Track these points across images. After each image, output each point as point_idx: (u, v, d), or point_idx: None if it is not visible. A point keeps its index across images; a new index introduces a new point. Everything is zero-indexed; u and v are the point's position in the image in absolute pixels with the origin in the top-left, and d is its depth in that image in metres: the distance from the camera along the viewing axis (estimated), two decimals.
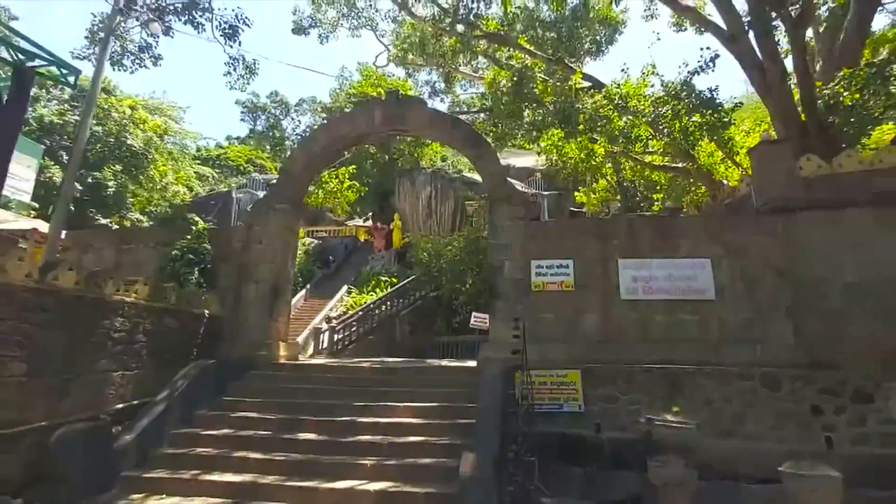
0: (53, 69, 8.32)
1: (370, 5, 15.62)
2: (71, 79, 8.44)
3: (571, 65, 21.00)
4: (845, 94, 10.06)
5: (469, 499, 4.55)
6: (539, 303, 7.50)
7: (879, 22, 12.76)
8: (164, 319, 6.94)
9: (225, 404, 6.72)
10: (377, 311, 16.80)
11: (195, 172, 32.06)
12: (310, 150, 9.10)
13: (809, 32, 12.78)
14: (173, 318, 7.12)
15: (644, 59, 22.00)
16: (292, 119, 44.36)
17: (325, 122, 9.60)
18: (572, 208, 27.23)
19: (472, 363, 8.19)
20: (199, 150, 39.45)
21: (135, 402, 6.28)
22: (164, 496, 5.14)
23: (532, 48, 13.61)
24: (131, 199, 19.64)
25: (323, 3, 15.62)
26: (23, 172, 16.82)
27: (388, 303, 17.49)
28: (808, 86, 10.45)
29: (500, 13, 13.34)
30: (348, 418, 6.34)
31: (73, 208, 18.38)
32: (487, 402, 5.96)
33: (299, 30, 15.62)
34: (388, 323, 17.58)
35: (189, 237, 8.41)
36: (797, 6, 11.70)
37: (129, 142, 19.36)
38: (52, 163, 18.41)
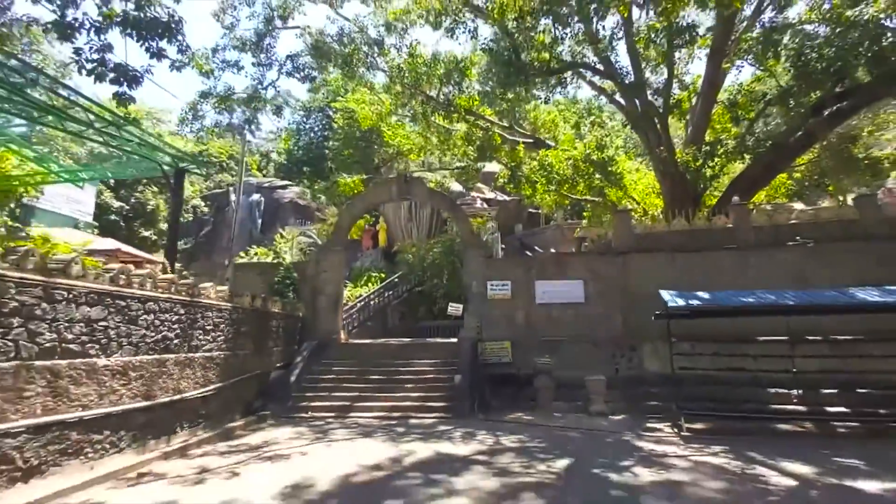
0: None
1: (369, 70, 21.72)
2: (204, 171, 14.40)
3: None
4: (691, 162, 17.38)
5: (459, 396, 11.58)
6: (491, 306, 14.53)
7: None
8: (287, 319, 13.57)
9: (326, 364, 13.48)
10: (373, 302, 22.56)
11: None
12: (352, 213, 15.73)
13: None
14: (290, 318, 13.75)
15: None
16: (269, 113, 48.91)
17: (362, 194, 15.97)
18: (531, 209, 34.47)
19: (454, 340, 15.16)
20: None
21: (280, 363, 12.96)
22: (316, 402, 11.93)
23: (491, 115, 20.32)
24: (162, 214, 25.21)
25: (329, 64, 21.63)
26: (85, 198, 22.06)
27: (382, 295, 23.67)
28: (671, 151, 17.62)
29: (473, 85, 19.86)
30: (393, 368, 13.25)
31: (122, 224, 23.93)
32: (464, 358, 12.98)
33: (313, 90, 21.60)
34: (381, 312, 23.82)
35: (283, 268, 14.90)
36: (660, 102, 18.93)
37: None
38: (105, 188, 23.74)
